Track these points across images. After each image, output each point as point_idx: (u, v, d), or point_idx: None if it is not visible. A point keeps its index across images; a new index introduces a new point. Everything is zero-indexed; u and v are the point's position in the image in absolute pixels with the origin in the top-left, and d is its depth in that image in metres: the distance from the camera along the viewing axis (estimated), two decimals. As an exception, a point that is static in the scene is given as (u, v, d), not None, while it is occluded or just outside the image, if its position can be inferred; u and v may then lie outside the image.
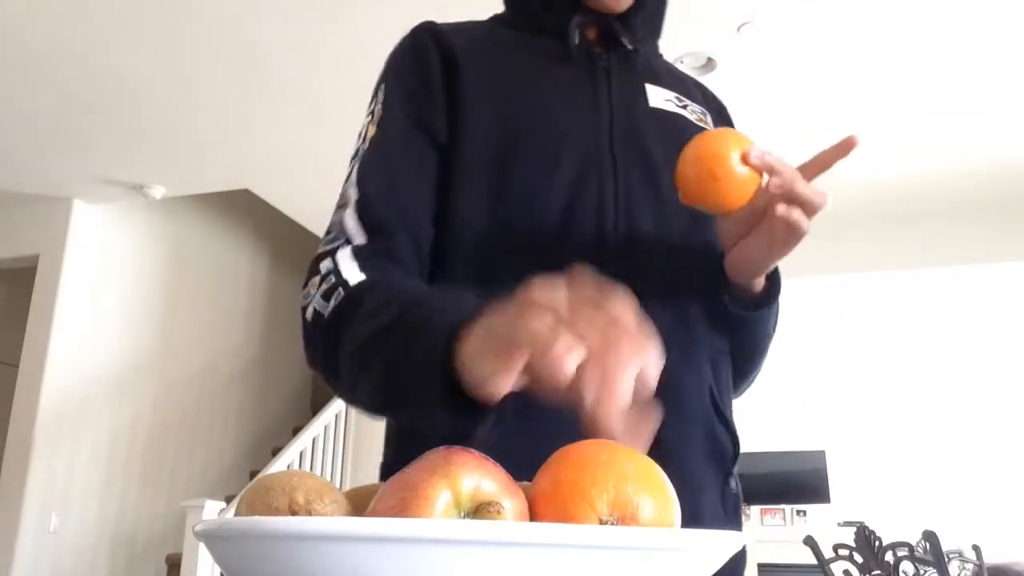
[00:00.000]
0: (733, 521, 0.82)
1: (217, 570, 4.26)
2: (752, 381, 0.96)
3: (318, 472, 5.10)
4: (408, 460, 0.44)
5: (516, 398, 0.75)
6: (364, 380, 0.67)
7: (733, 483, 0.83)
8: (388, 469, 0.80)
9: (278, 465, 5.00)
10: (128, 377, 5.26)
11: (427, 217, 0.80)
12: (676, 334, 0.74)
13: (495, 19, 0.96)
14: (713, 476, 0.81)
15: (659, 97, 0.90)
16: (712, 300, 0.82)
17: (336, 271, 0.73)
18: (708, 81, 2.37)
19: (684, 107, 0.91)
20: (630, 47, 0.89)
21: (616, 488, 0.43)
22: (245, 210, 6.11)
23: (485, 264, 0.80)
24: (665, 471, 0.47)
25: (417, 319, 0.62)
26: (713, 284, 0.81)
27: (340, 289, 0.71)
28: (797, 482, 5.18)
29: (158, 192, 4.96)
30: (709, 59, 3.64)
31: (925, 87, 3.91)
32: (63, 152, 4.52)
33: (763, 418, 5.01)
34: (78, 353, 4.95)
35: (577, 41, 0.88)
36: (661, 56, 0.99)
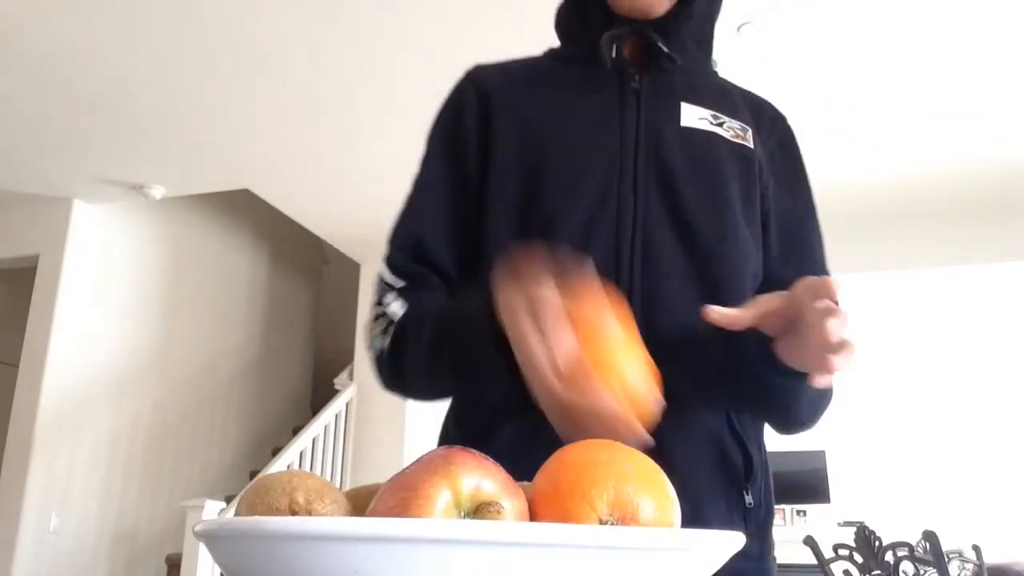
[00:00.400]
0: (756, 535, 0.82)
1: (217, 570, 4.26)
2: (790, 433, 0.89)
3: (318, 472, 5.10)
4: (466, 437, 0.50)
5: (518, 399, 0.76)
6: (440, 379, 0.84)
7: (749, 498, 0.82)
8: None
9: (278, 465, 4.99)
10: (128, 377, 5.25)
11: (451, 260, 0.89)
12: (685, 349, 0.77)
13: (548, 52, 0.99)
14: (723, 491, 0.81)
15: (693, 116, 0.90)
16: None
17: (386, 313, 0.86)
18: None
19: (720, 124, 0.91)
20: (669, 55, 0.89)
21: (616, 488, 0.43)
22: (245, 210, 6.11)
23: None
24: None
25: (452, 319, 0.80)
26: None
27: (391, 326, 0.85)
28: (797, 482, 5.17)
29: (158, 192, 4.96)
30: (709, 59, 3.63)
31: (925, 87, 3.91)
32: (63, 152, 4.51)
33: (763, 418, 4.99)
34: (78, 353, 4.94)
35: (613, 56, 0.89)
36: (714, 72, 0.98)
